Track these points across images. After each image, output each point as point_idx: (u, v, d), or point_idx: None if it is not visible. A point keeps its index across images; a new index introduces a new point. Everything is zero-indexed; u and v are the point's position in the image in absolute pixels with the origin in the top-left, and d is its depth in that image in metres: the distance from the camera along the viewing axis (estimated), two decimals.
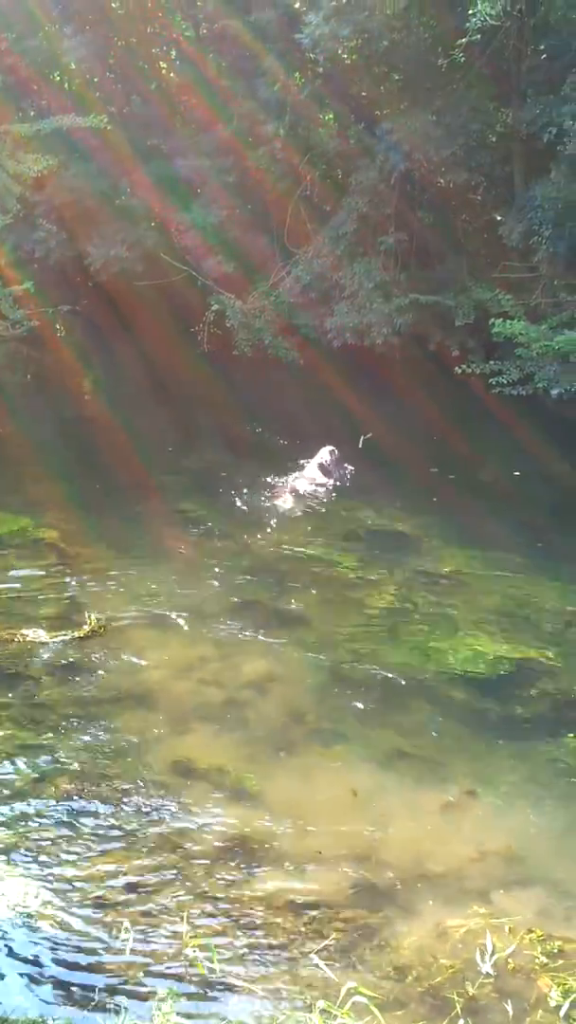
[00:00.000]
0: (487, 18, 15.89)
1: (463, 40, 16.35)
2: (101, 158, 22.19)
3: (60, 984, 6.45)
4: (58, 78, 24.14)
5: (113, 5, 23.01)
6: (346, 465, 15.99)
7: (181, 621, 11.31)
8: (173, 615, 11.43)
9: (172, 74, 23.62)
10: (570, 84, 16.56)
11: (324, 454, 15.92)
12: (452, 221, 20.02)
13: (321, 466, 15.80)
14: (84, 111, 21.27)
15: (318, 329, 19.90)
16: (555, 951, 6.78)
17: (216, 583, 12.45)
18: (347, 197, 19.75)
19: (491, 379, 17.50)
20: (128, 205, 22.38)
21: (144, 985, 6.38)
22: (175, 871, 7.51)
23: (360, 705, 10.00)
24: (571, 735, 9.70)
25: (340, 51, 18.95)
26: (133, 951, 6.62)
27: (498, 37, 17.69)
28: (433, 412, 18.29)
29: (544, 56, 18.18)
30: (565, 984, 6.47)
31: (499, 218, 19.52)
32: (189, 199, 21.59)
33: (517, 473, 16.68)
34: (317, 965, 6.59)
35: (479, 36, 16.31)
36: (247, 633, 11.20)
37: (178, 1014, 5.99)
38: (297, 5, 19.71)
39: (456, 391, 18.25)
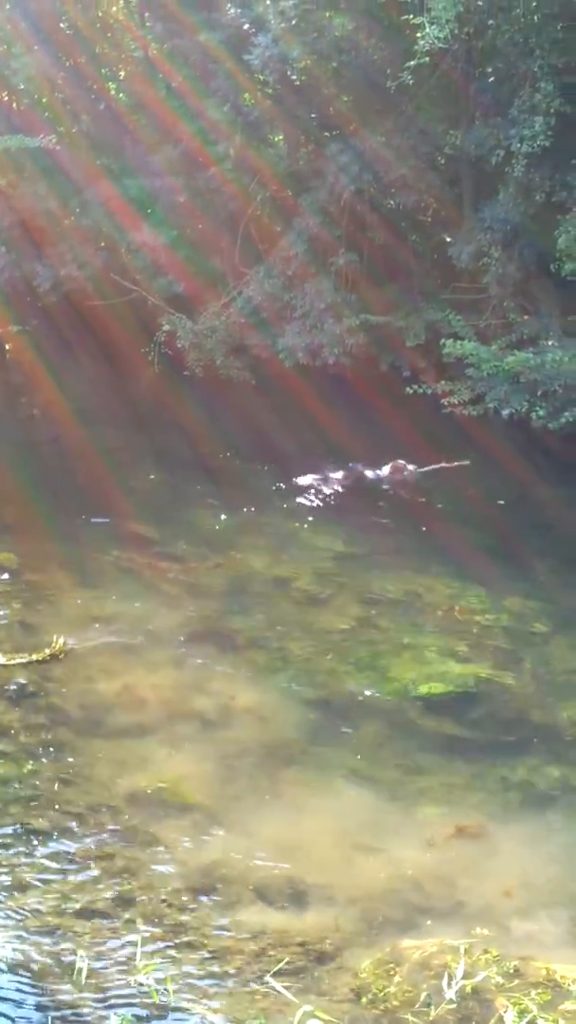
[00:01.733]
0: (435, 41, 16.02)
1: (412, 63, 16.47)
2: (51, 178, 22.12)
3: (7, 1016, 6.32)
4: (6, 97, 24.06)
5: (62, 25, 22.98)
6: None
7: (141, 645, 11.22)
8: (134, 639, 11.34)
9: (121, 94, 23.60)
10: (517, 106, 16.71)
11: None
12: (402, 242, 20.10)
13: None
14: (33, 131, 21.17)
15: (270, 349, 19.90)
16: (511, 971, 6.74)
17: (176, 606, 12.36)
18: (297, 218, 19.80)
19: (443, 399, 17.55)
20: (78, 225, 22.32)
21: (96, 1013, 6.27)
22: (129, 898, 7.41)
23: (322, 727, 9.98)
24: (528, 757, 9.74)
25: (289, 72, 19.01)
26: (86, 979, 6.51)
27: (446, 60, 17.83)
28: (386, 431, 18.32)
29: (492, 79, 18.34)
30: (520, 1004, 6.43)
31: (449, 239, 19.62)
32: (139, 219, 21.56)
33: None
34: (272, 988, 6.52)
35: (428, 59, 16.44)
36: (206, 656, 11.13)
37: None
38: (247, 26, 19.76)
39: (409, 410, 18.29)
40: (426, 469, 15.44)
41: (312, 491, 16.19)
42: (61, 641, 10.83)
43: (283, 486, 16.55)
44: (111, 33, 23.45)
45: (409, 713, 10.32)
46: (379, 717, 10.20)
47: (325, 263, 19.44)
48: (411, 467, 15.94)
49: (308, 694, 10.56)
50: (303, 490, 16.24)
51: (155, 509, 15.59)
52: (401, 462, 15.94)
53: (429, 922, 7.41)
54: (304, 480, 16.22)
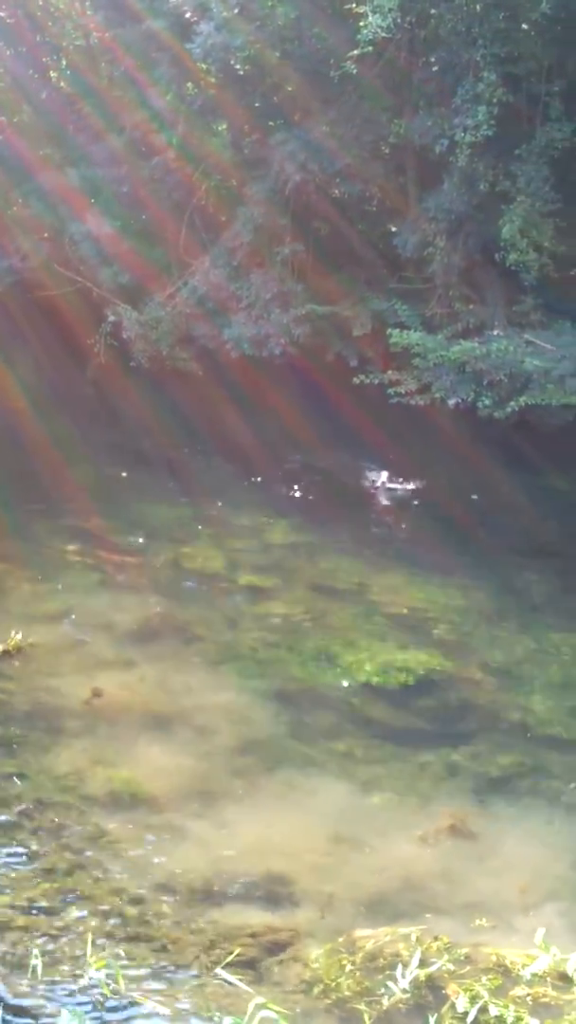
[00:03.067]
0: (379, 30, 16.01)
1: (355, 52, 16.45)
2: None
3: None
4: None
5: (2, 13, 22.71)
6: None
7: (95, 640, 11.17)
8: (87, 634, 11.30)
9: (63, 83, 23.37)
10: (460, 96, 16.71)
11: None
12: (348, 232, 20.07)
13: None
14: None
15: (217, 339, 19.82)
16: (462, 958, 6.80)
17: (129, 600, 12.35)
18: (243, 207, 19.70)
19: (390, 389, 17.58)
20: (21, 216, 22.09)
21: (46, 1009, 6.22)
22: (80, 893, 7.38)
23: (273, 718, 10.01)
24: (477, 744, 9.82)
25: (232, 62, 18.90)
26: (35, 975, 6.46)
27: (389, 49, 17.80)
28: (333, 421, 18.35)
29: (435, 68, 18.33)
30: (472, 991, 6.49)
31: (394, 229, 19.64)
32: (83, 209, 21.38)
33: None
34: (224, 981, 6.52)
35: (371, 48, 16.42)
36: (160, 650, 11.14)
37: None
38: (189, 15, 19.60)
39: (358, 400, 18.33)
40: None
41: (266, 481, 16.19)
42: (18, 636, 10.76)
43: (234, 477, 16.56)
44: (53, 21, 23.18)
45: (360, 703, 10.37)
46: (330, 707, 10.25)
47: (271, 252, 19.38)
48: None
49: (259, 685, 10.59)
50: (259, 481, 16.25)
51: (106, 501, 15.53)
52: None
53: (379, 912, 7.44)
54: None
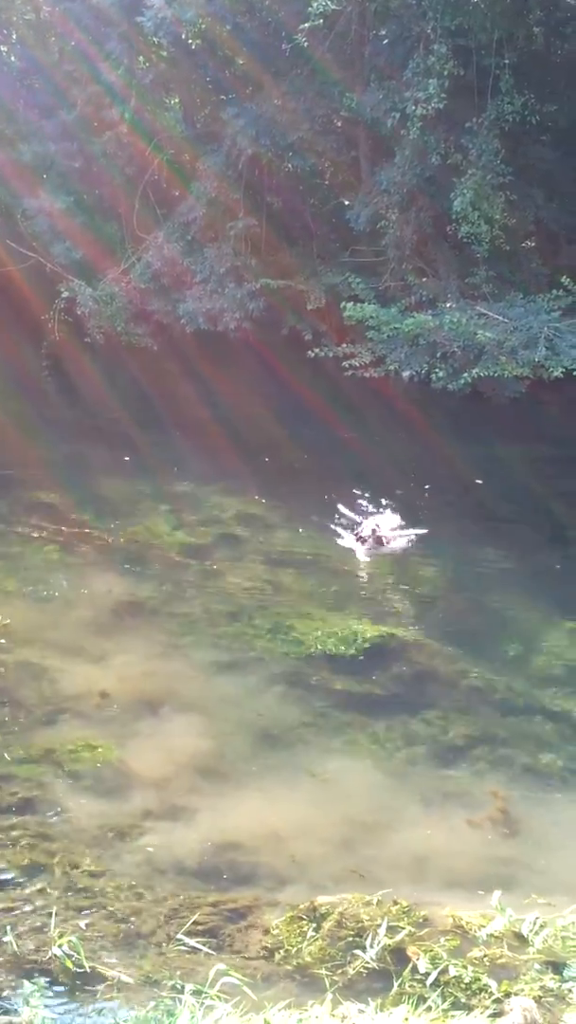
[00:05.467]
0: (328, 3, 16.01)
1: (306, 25, 16.43)
2: None
3: None
4: None
5: None
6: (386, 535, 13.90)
7: (52, 617, 11.21)
8: (44, 611, 11.31)
9: (13, 58, 23.16)
10: (411, 69, 16.74)
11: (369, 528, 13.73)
12: (301, 206, 20.07)
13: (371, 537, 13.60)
14: None
15: (171, 315, 19.80)
16: (421, 920, 6.92)
17: (86, 575, 12.39)
18: (196, 182, 19.66)
19: (345, 362, 17.64)
20: None
21: (10, 983, 6.29)
22: (42, 865, 7.44)
23: (229, 690, 10.10)
24: (430, 711, 9.93)
25: (184, 35, 18.82)
26: (2, 949, 6.53)
27: (340, 22, 17.80)
28: (289, 395, 18.39)
29: (386, 41, 18.35)
30: (431, 952, 6.60)
31: (347, 203, 19.67)
32: (35, 185, 21.23)
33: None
34: (186, 948, 6.61)
35: (321, 21, 16.41)
36: (116, 625, 11.23)
37: (46, 1007, 5.94)
38: None
39: (313, 373, 18.38)
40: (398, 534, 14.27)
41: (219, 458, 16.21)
42: None
43: (190, 451, 16.57)
44: None
45: (315, 673, 10.45)
46: (286, 678, 10.32)
47: (225, 227, 19.36)
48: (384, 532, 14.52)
49: (215, 657, 10.67)
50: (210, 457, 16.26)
51: (63, 477, 15.50)
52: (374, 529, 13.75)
53: (340, 878, 7.55)
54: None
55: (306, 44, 17.11)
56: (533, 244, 19.19)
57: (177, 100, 21.23)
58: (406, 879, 7.53)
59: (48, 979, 6.28)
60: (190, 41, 18.78)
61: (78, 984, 6.34)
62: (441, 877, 7.62)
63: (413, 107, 16.47)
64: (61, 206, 20.61)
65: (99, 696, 9.72)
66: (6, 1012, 5.89)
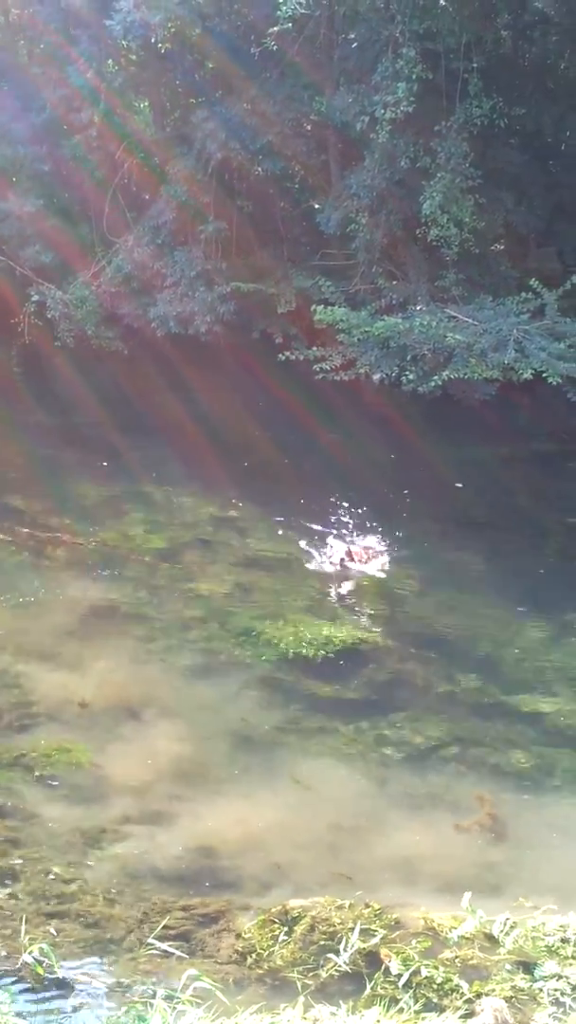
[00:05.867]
0: (297, 6, 15.99)
1: (275, 28, 16.43)
2: None
3: None
4: None
5: None
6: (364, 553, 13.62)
7: (24, 623, 11.19)
8: (16, 616, 11.30)
9: None
10: (380, 72, 16.77)
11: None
12: (272, 209, 20.08)
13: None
14: None
15: (142, 318, 19.77)
16: (392, 923, 6.93)
17: (58, 580, 12.40)
18: (166, 185, 19.64)
19: (315, 365, 17.65)
20: None
21: None
22: (11, 871, 7.43)
23: (202, 694, 10.12)
24: (403, 713, 9.97)
25: (153, 38, 18.78)
26: None
27: (309, 26, 17.82)
28: (260, 398, 18.41)
29: (355, 45, 18.38)
30: (403, 954, 6.62)
31: (317, 206, 19.69)
32: (4, 188, 21.16)
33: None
34: (157, 953, 6.60)
35: (291, 24, 16.40)
36: (88, 630, 11.22)
37: (16, 1015, 5.92)
38: None
39: (284, 377, 18.39)
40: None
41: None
42: None
43: (162, 454, 16.55)
44: None
45: (288, 676, 10.47)
46: (259, 682, 10.34)
47: (194, 231, 19.35)
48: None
49: (188, 661, 10.68)
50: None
51: (35, 481, 15.50)
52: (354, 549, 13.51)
53: (313, 882, 7.57)
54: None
55: (276, 47, 17.11)
56: (502, 247, 19.26)
57: (147, 103, 21.19)
58: (391, 882, 7.56)
59: (19, 986, 6.27)
60: (159, 44, 18.74)
61: (49, 990, 6.32)
62: (427, 880, 7.65)
63: (382, 110, 16.50)
64: (31, 209, 20.55)
65: (73, 701, 9.72)
66: None
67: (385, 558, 13.49)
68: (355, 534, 13.90)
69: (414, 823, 8.41)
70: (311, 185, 20.19)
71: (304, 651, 10.83)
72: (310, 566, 13.21)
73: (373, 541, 13.85)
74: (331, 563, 13.22)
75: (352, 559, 13.24)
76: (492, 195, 17.66)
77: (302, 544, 13.68)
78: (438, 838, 8.22)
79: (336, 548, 13.47)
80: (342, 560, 13.22)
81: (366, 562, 13.25)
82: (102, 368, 19.93)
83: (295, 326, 18.82)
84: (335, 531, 13.84)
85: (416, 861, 7.95)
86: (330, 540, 13.67)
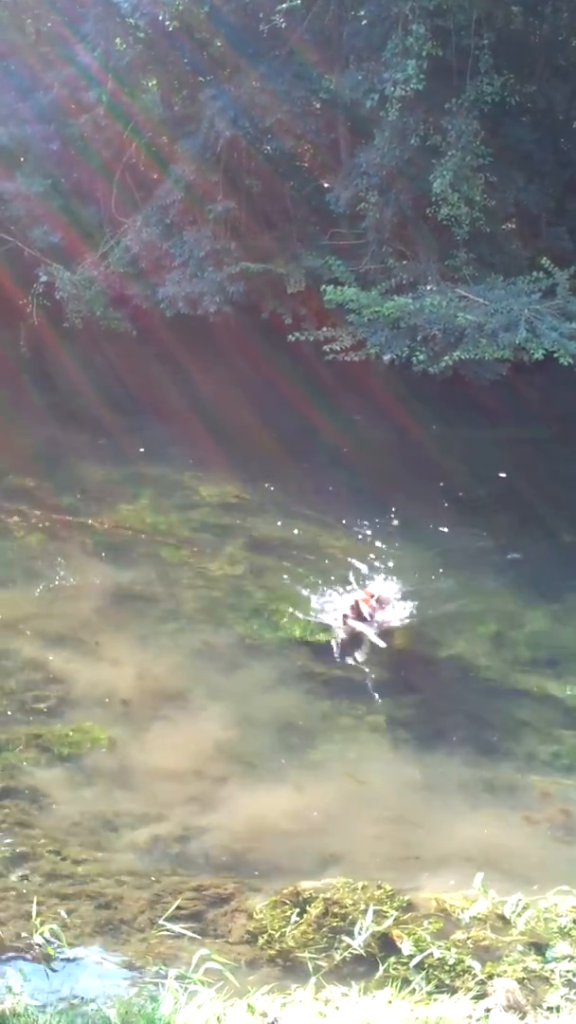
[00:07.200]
0: None
1: (284, 5, 16.34)
2: None
3: None
4: None
5: None
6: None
7: (35, 606, 11.18)
8: (27, 599, 11.28)
9: None
10: (390, 50, 16.64)
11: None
12: (280, 189, 19.96)
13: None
14: None
15: (150, 299, 19.69)
16: (404, 905, 6.93)
17: (69, 562, 12.33)
18: (175, 164, 19.53)
19: (324, 346, 17.58)
20: None
21: None
22: (24, 853, 7.41)
23: (212, 676, 10.09)
24: (413, 696, 9.95)
25: (161, 17, 18.68)
26: None
27: (318, 3, 17.70)
28: (269, 379, 18.33)
29: (364, 22, 18.22)
30: (415, 935, 6.61)
31: (326, 185, 19.58)
32: (11, 168, 21.08)
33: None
34: (169, 935, 6.59)
35: (299, 2, 16.33)
36: (99, 611, 11.20)
37: (29, 994, 5.91)
38: None
39: (293, 358, 18.31)
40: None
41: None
42: None
43: (170, 436, 16.49)
44: None
45: (298, 659, 10.44)
46: (269, 664, 10.31)
47: (204, 210, 19.25)
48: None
49: (198, 644, 10.64)
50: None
51: (43, 463, 15.43)
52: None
53: (324, 863, 7.55)
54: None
55: (284, 25, 17.05)
56: (513, 226, 19.15)
57: (154, 82, 21.08)
58: (397, 867, 7.53)
59: (31, 966, 6.26)
60: (168, 23, 18.63)
61: (61, 970, 6.31)
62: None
63: (392, 88, 16.39)
64: (39, 189, 20.46)
65: (91, 686, 9.69)
66: None
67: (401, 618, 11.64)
68: (365, 518, 13.80)
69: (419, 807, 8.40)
70: (320, 164, 20.08)
71: (314, 635, 10.83)
72: (317, 548, 13.15)
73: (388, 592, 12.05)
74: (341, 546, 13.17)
75: (362, 618, 11.30)
76: (503, 173, 17.56)
77: (312, 527, 13.61)
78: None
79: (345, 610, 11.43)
80: (350, 618, 11.28)
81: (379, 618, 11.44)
82: (110, 349, 19.84)
83: (304, 307, 18.73)
84: (346, 516, 13.75)
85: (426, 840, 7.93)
86: (339, 523, 13.59)
